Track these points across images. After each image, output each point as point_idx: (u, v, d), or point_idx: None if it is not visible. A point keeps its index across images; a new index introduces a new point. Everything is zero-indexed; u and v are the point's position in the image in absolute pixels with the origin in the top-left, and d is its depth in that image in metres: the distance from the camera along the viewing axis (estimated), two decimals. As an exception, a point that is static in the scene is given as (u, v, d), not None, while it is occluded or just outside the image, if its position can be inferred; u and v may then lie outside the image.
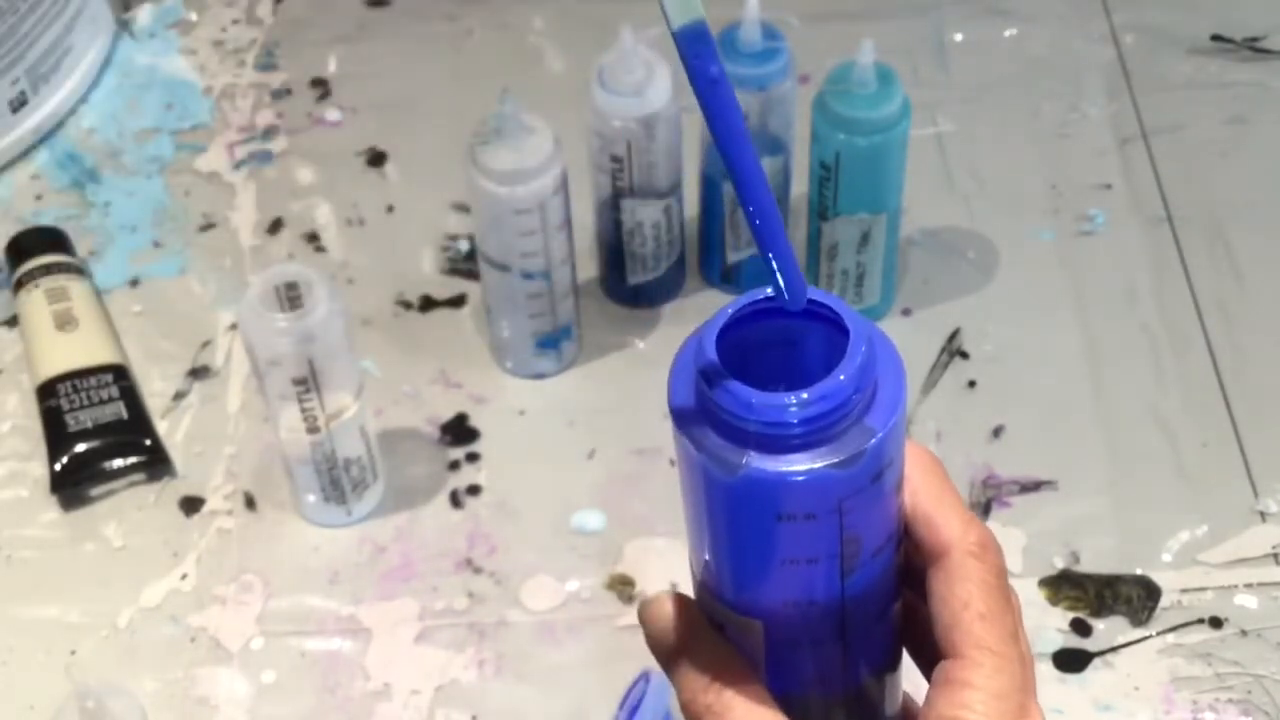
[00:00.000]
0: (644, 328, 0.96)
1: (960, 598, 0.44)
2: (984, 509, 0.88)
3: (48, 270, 0.97)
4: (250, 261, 1.01)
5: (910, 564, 0.46)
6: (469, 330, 0.97)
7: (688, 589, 0.48)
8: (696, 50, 0.38)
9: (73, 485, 0.90)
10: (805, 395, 0.40)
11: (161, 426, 0.92)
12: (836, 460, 0.40)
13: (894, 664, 0.49)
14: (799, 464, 0.40)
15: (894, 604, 0.47)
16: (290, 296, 0.80)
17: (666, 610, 0.47)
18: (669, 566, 0.86)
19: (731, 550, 0.44)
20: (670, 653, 0.46)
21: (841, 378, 0.40)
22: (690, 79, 0.39)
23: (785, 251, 0.41)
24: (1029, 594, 0.84)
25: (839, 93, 0.87)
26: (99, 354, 0.94)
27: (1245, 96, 1.08)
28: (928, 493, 0.45)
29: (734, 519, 0.43)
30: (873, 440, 0.41)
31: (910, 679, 0.49)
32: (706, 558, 0.45)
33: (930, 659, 0.46)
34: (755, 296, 0.42)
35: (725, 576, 0.45)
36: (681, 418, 0.42)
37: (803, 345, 0.42)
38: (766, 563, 0.43)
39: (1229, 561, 0.85)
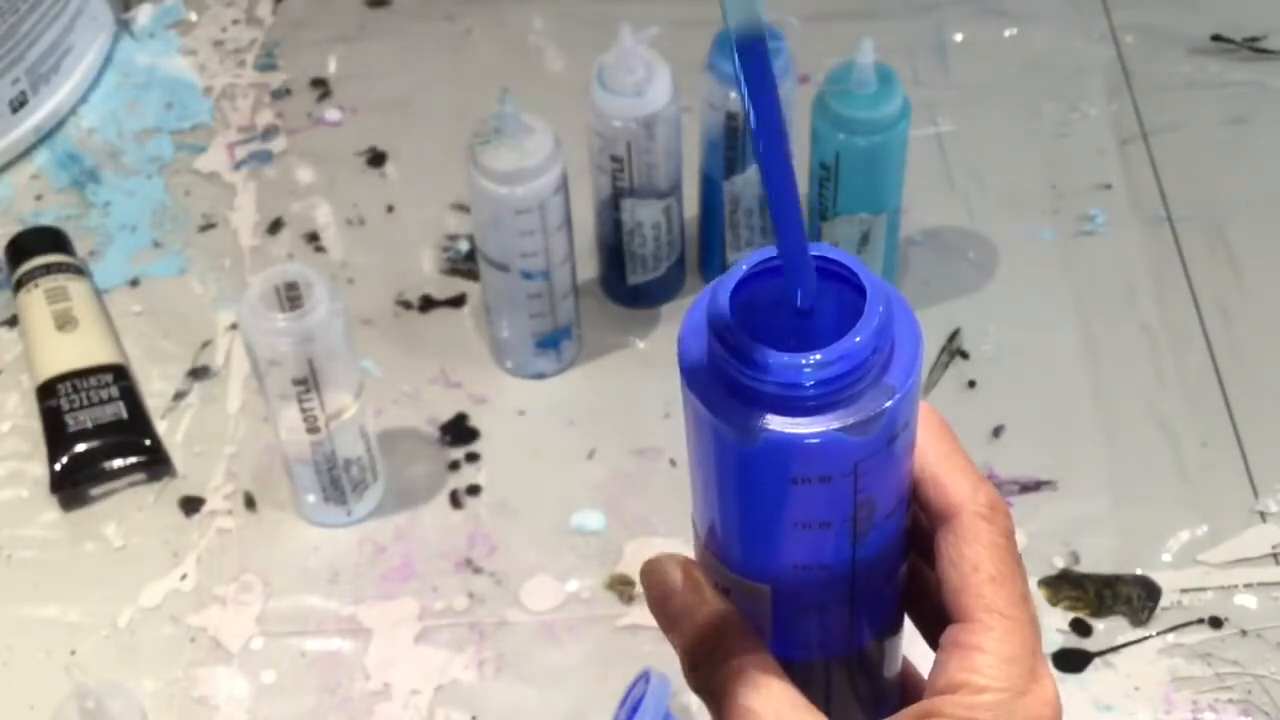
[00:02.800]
0: (644, 328, 0.96)
1: (970, 560, 0.43)
2: (984, 509, 0.88)
3: (48, 270, 0.97)
4: (250, 261, 1.01)
5: (915, 526, 0.45)
6: (469, 330, 0.97)
7: None
8: (754, 56, 0.38)
9: (73, 485, 0.90)
10: (822, 356, 0.39)
11: (161, 426, 0.92)
12: (853, 422, 0.39)
13: (896, 628, 0.48)
14: (815, 426, 0.39)
15: (901, 567, 0.46)
16: (290, 296, 0.80)
17: (668, 573, 0.45)
18: (669, 566, 0.85)
19: (742, 514, 0.43)
20: (673, 617, 0.45)
21: (858, 339, 0.39)
22: (744, 84, 0.38)
23: (802, 253, 0.40)
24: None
25: (839, 93, 0.87)
26: (99, 354, 0.94)
27: (1245, 96, 1.08)
28: (937, 453, 0.44)
29: (746, 482, 0.42)
30: (890, 402, 0.40)
31: (914, 647, 0.48)
32: (714, 522, 0.44)
33: (932, 620, 0.45)
34: (769, 253, 0.41)
35: (733, 539, 0.44)
36: (693, 378, 0.40)
37: (818, 305, 0.41)
38: (777, 527, 0.42)
39: (1229, 561, 0.85)
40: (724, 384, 0.40)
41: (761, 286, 0.41)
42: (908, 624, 0.48)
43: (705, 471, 0.43)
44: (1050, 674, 0.43)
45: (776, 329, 0.40)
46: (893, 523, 0.44)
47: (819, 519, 0.42)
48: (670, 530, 0.87)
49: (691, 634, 0.44)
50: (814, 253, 0.40)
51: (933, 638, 0.45)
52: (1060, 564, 0.85)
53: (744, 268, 0.41)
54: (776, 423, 0.39)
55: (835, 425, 0.39)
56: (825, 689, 0.47)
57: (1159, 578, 0.85)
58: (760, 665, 0.43)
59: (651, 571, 0.46)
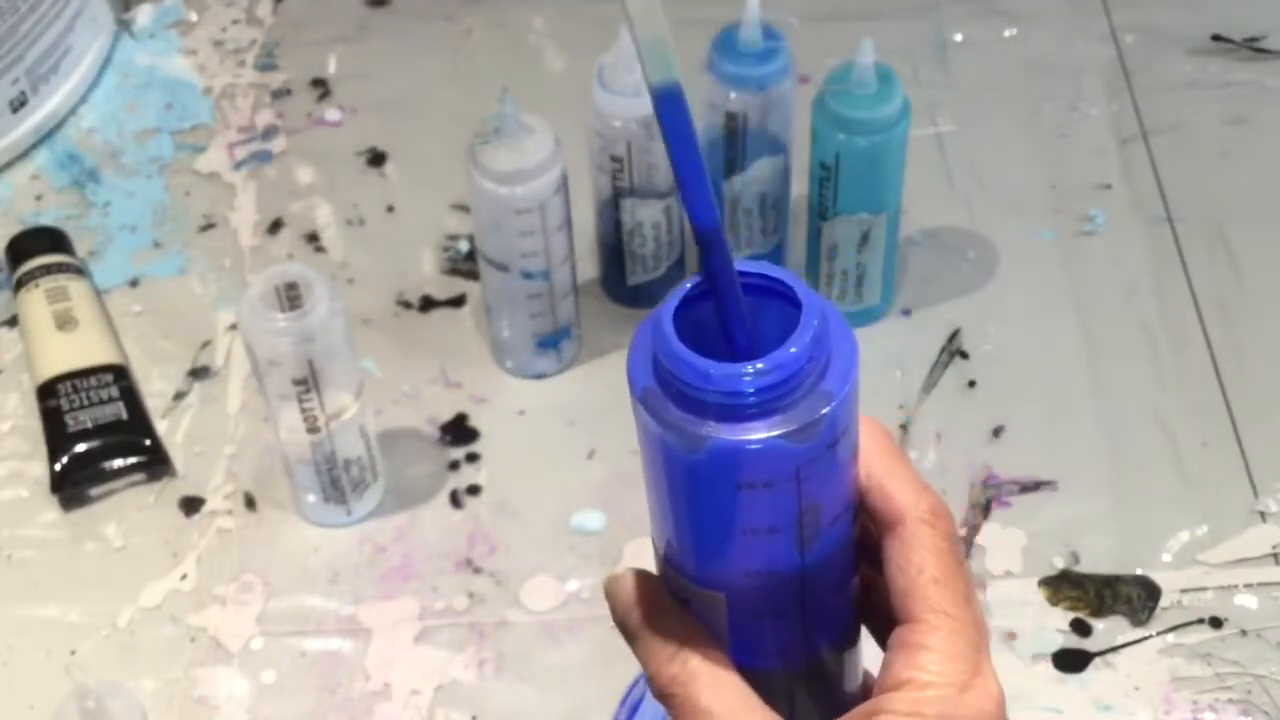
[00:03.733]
0: (644, 328, 0.96)
1: (915, 564, 0.45)
2: (984, 509, 0.88)
3: (48, 270, 0.97)
4: (250, 261, 1.01)
5: (866, 538, 0.47)
6: (469, 330, 0.97)
7: None
8: (670, 107, 0.41)
9: (73, 485, 0.90)
10: (760, 365, 0.41)
11: (161, 426, 0.92)
12: (793, 428, 0.42)
13: (853, 640, 0.50)
14: (757, 432, 0.41)
15: (852, 577, 0.48)
16: (290, 296, 0.80)
17: (629, 585, 0.48)
18: (669, 566, 0.86)
19: (693, 522, 0.45)
20: (635, 627, 0.47)
21: (793, 350, 0.41)
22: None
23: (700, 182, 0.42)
24: (1029, 594, 0.84)
25: (839, 93, 0.87)
26: (99, 354, 0.94)
27: (1245, 96, 1.08)
28: (881, 464, 0.46)
29: (695, 490, 0.44)
30: (827, 408, 0.42)
31: (876, 662, 0.49)
32: (669, 532, 0.46)
33: (887, 632, 0.46)
34: (708, 282, 0.43)
35: (687, 549, 0.46)
36: (641, 392, 0.43)
37: (760, 323, 0.43)
38: (728, 533, 0.44)
39: (1229, 561, 0.85)
40: (670, 396, 0.42)
41: (705, 304, 0.43)
42: (869, 640, 0.49)
43: (657, 484, 0.45)
44: (994, 671, 0.45)
45: (719, 344, 0.42)
46: (839, 528, 0.46)
47: (766, 524, 0.44)
48: (670, 530, 0.87)
49: (652, 643, 0.46)
50: (755, 270, 0.43)
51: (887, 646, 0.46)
52: (1060, 564, 0.85)
53: (687, 286, 0.43)
54: (720, 431, 0.41)
55: (776, 431, 0.41)
56: (785, 699, 0.48)
57: (1159, 578, 0.85)
58: (716, 669, 0.45)
59: (613, 585, 0.48)
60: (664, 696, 0.46)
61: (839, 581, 0.47)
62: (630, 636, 0.48)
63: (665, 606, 0.47)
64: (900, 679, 0.44)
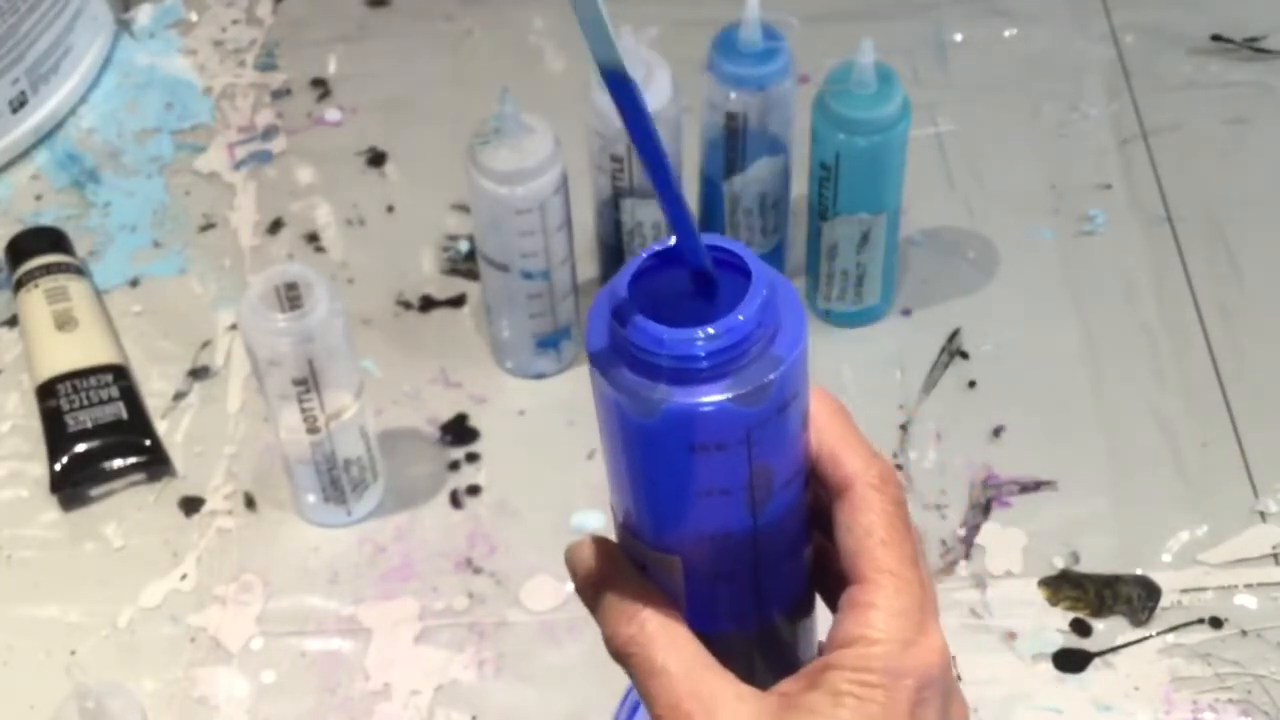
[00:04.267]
0: (644, 328, 0.96)
1: (863, 526, 0.47)
2: (984, 509, 0.88)
3: (48, 270, 0.97)
4: (250, 261, 1.01)
5: (819, 508, 0.49)
6: (469, 330, 0.97)
7: None
8: (620, 88, 0.44)
9: (73, 485, 0.90)
10: (711, 330, 0.43)
11: (161, 426, 0.92)
12: (743, 391, 0.43)
13: (807, 609, 0.52)
14: (709, 395, 0.43)
15: (805, 544, 0.50)
16: (290, 296, 0.80)
17: (589, 552, 0.49)
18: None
19: (648, 486, 0.47)
20: (593, 591, 0.49)
21: (740, 317, 0.43)
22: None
23: (684, 218, 0.44)
24: (1029, 594, 0.84)
25: (839, 93, 0.87)
26: (99, 354, 0.94)
27: (1245, 96, 1.08)
28: (832, 433, 0.48)
29: (650, 453, 0.45)
30: (775, 372, 0.44)
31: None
32: (625, 498, 0.48)
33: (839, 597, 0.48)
34: (666, 243, 0.45)
35: (644, 514, 0.47)
36: (598, 358, 0.44)
37: (714, 294, 0.45)
38: (682, 496, 0.46)
39: (1229, 561, 0.85)
40: (625, 361, 0.44)
41: (660, 276, 0.45)
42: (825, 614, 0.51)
43: (614, 449, 0.47)
44: (939, 629, 0.47)
45: (674, 312, 0.44)
46: (790, 492, 0.47)
47: (719, 486, 0.46)
48: (670, 530, 0.87)
49: (609, 606, 0.48)
50: (707, 242, 0.45)
51: None
52: (1060, 564, 0.85)
53: (643, 256, 0.45)
54: (673, 394, 0.43)
55: (727, 394, 0.43)
56: (741, 664, 0.49)
57: (1159, 578, 0.85)
58: (672, 629, 0.47)
59: (573, 553, 0.50)
60: (621, 657, 0.48)
61: (791, 546, 0.49)
62: (589, 601, 0.49)
63: (623, 571, 0.48)
64: (849, 636, 0.46)
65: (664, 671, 0.46)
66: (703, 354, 0.43)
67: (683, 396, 0.43)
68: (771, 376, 0.44)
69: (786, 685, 0.47)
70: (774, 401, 0.44)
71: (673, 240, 0.45)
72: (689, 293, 0.45)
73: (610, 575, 0.49)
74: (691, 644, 0.47)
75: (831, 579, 0.49)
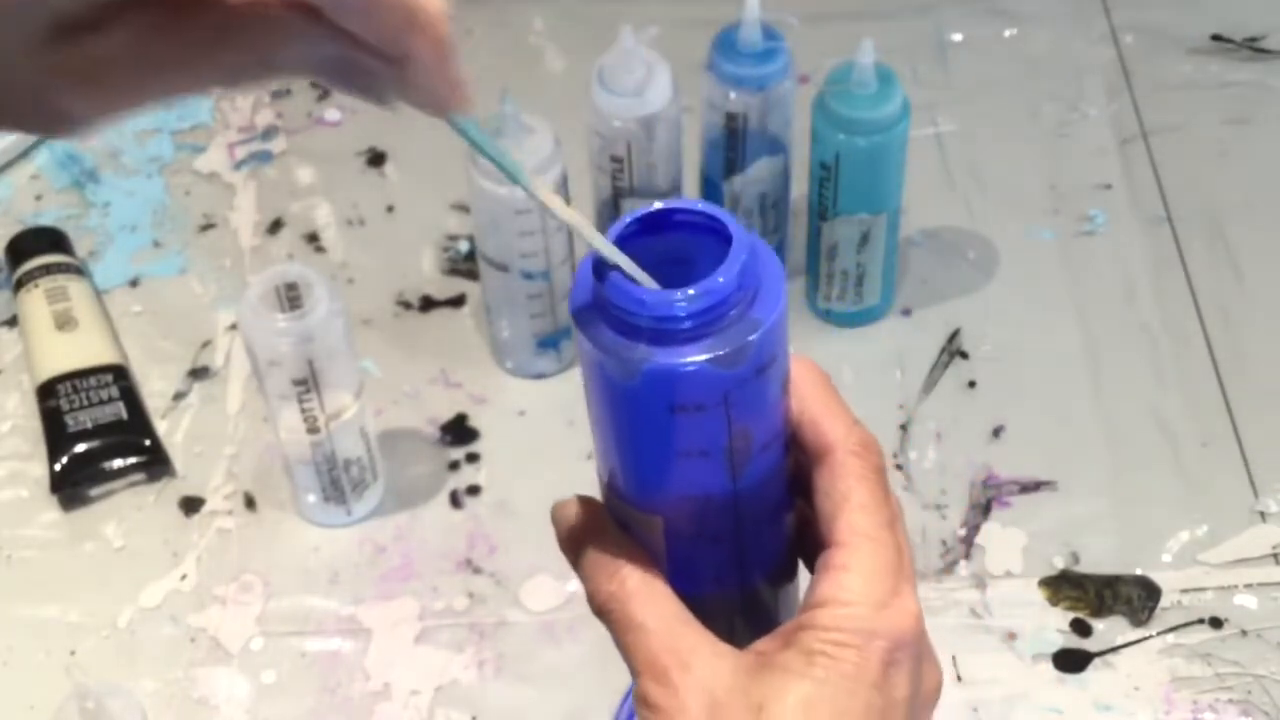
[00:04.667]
0: (644, 328, 0.96)
1: (841, 491, 0.48)
2: (984, 509, 0.88)
3: (48, 270, 0.97)
4: (250, 261, 1.01)
5: (802, 475, 0.49)
6: (469, 330, 0.97)
7: None
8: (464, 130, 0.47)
9: (73, 485, 0.90)
10: (691, 291, 0.43)
11: (161, 426, 0.92)
12: (722, 352, 0.44)
13: (789, 575, 0.52)
14: (689, 356, 0.44)
15: (787, 510, 0.50)
16: (290, 297, 0.80)
17: (574, 510, 0.50)
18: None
19: (629, 445, 0.47)
20: (576, 548, 0.50)
21: (721, 279, 0.44)
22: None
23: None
24: (1029, 594, 0.84)
25: (839, 93, 0.87)
26: (99, 354, 0.94)
27: (1245, 96, 1.08)
28: (814, 399, 0.49)
29: (631, 412, 0.46)
30: (754, 334, 0.44)
31: None
32: (609, 458, 0.48)
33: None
34: (650, 208, 0.46)
35: (626, 473, 0.48)
36: (581, 319, 0.45)
37: (696, 260, 0.45)
38: (662, 456, 0.47)
39: (1229, 561, 0.85)
40: (607, 322, 0.45)
41: (645, 243, 0.46)
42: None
43: (597, 409, 0.48)
44: (914, 593, 0.47)
45: (656, 275, 0.45)
46: (770, 456, 0.48)
47: (698, 448, 0.46)
48: (670, 530, 0.87)
49: (591, 562, 0.49)
50: (689, 206, 0.46)
51: None
52: (1060, 564, 0.85)
53: (626, 220, 0.46)
54: (653, 354, 0.44)
55: (706, 355, 0.44)
56: (722, 627, 0.50)
57: (1159, 578, 0.85)
58: (652, 585, 0.48)
59: (558, 511, 0.51)
60: (602, 613, 0.49)
61: (772, 510, 0.50)
62: (572, 557, 0.50)
63: (606, 529, 0.49)
64: (824, 597, 0.47)
65: (642, 627, 0.47)
66: (683, 314, 0.44)
67: (663, 357, 0.44)
68: (751, 338, 0.44)
69: (762, 644, 0.48)
70: (753, 363, 0.45)
71: (657, 205, 0.46)
72: (674, 260, 0.46)
73: (593, 533, 0.49)
74: (671, 601, 0.48)
75: (813, 545, 0.50)
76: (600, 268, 0.45)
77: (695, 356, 0.44)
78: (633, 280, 0.44)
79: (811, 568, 0.50)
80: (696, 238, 0.46)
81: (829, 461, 0.48)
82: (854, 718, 0.46)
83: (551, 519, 0.51)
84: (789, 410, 0.48)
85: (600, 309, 0.45)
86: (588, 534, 0.49)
